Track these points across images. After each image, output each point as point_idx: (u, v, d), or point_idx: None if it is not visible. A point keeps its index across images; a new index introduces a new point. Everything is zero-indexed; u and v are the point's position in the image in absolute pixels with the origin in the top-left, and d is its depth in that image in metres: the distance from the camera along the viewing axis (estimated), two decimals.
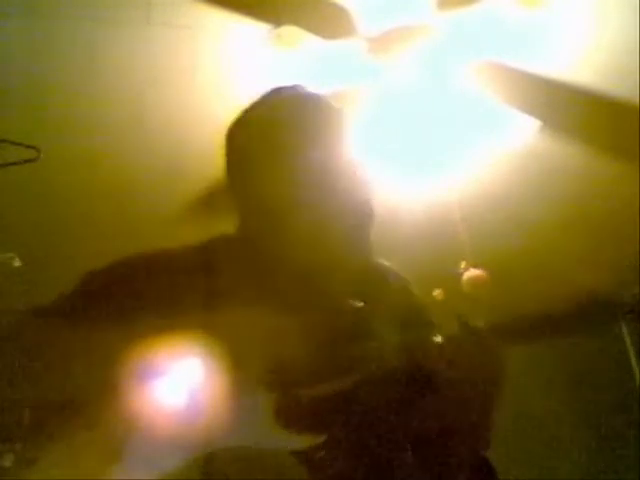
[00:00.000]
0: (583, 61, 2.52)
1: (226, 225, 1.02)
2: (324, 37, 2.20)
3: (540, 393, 4.13)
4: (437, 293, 2.47)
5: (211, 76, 2.42)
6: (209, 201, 2.73)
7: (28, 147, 2.19)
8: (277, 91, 1.06)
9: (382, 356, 0.84)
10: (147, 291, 0.90)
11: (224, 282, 0.91)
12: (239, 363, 0.82)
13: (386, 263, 1.07)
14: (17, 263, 3.12)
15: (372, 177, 1.03)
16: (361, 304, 0.86)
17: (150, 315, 0.86)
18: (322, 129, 1.00)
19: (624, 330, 4.55)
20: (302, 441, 0.83)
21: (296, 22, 2.15)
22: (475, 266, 2.57)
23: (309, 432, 0.83)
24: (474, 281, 2.53)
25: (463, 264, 2.59)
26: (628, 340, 4.52)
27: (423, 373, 0.85)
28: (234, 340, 0.83)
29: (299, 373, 0.82)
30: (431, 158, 2.57)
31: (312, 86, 1.07)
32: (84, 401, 0.87)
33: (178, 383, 0.86)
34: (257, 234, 1.00)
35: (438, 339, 0.88)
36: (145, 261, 0.96)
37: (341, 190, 0.97)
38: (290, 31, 2.20)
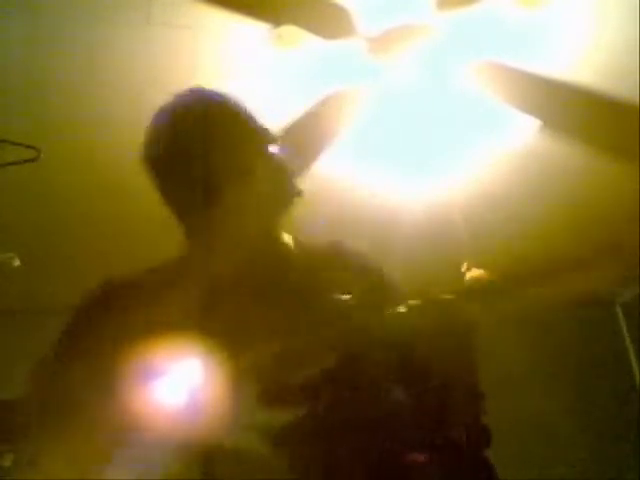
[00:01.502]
0: (583, 61, 2.52)
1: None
2: (324, 37, 2.20)
3: (540, 393, 4.13)
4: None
5: (211, 76, 2.42)
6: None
7: (28, 147, 2.18)
8: (185, 98, 1.14)
9: (360, 337, 0.88)
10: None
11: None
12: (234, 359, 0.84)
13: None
14: (17, 263, 3.12)
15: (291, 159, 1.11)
16: (346, 296, 0.90)
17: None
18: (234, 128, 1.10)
19: (624, 330, 4.55)
20: (283, 417, 0.86)
21: (296, 22, 2.15)
22: (477, 266, 2.58)
23: (290, 408, 0.86)
24: (477, 281, 2.54)
25: (465, 265, 2.59)
26: (628, 339, 4.52)
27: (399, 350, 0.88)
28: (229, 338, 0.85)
29: (282, 362, 0.85)
30: (431, 158, 2.57)
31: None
32: (84, 401, 0.87)
33: (178, 383, 0.86)
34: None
35: (402, 309, 0.92)
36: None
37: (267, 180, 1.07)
38: (290, 31, 2.20)
